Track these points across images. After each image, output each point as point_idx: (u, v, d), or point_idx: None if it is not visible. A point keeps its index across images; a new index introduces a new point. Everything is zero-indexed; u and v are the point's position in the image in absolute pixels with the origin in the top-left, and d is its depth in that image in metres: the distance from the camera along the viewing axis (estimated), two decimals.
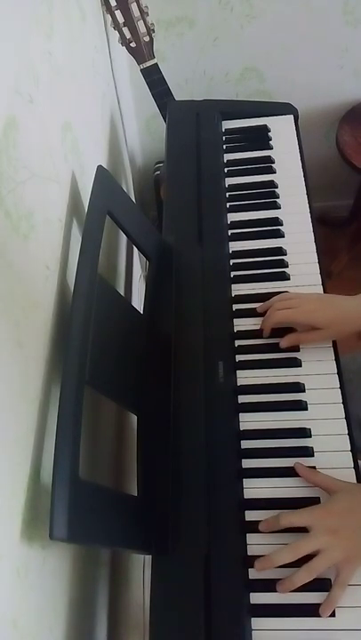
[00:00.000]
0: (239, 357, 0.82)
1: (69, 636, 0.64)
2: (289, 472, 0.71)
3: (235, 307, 0.87)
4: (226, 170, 1.06)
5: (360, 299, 0.82)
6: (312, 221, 0.96)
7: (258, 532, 0.67)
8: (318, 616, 0.62)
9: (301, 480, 0.70)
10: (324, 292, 0.87)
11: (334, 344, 0.82)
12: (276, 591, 0.63)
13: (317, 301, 0.83)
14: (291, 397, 0.77)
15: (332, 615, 0.61)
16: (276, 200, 0.99)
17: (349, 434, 0.74)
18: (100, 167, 0.79)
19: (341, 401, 0.76)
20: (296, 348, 0.81)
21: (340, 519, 0.65)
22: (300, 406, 0.76)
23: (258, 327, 0.84)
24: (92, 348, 0.63)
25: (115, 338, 0.72)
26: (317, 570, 0.62)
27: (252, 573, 0.65)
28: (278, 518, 0.66)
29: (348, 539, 0.63)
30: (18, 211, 0.57)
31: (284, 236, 0.95)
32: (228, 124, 1.13)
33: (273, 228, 0.96)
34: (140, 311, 0.82)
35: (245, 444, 0.74)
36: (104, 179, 0.78)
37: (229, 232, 0.97)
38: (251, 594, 0.64)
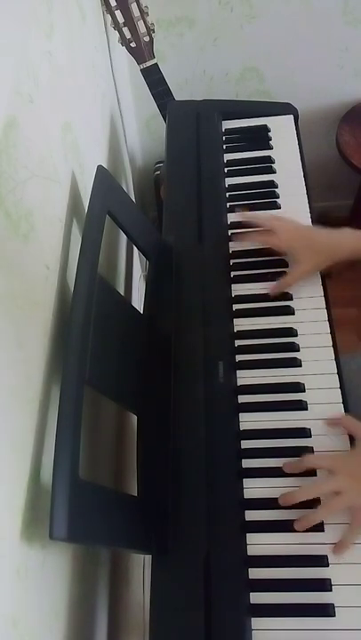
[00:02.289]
0: (239, 357, 0.82)
1: (69, 636, 0.64)
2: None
3: (235, 307, 0.87)
4: (226, 170, 1.06)
5: (331, 232, 0.86)
6: (312, 221, 0.96)
7: (258, 531, 0.67)
8: (318, 616, 0.62)
9: (301, 480, 0.70)
10: (325, 292, 0.87)
11: (334, 344, 0.82)
12: (275, 591, 0.63)
13: (295, 231, 0.88)
14: (291, 397, 0.77)
15: (333, 615, 0.62)
16: (276, 200, 0.99)
17: (349, 434, 0.74)
18: (100, 167, 0.79)
19: (341, 401, 0.76)
20: (296, 348, 0.81)
21: None
22: (301, 406, 0.76)
23: (258, 327, 0.84)
24: (92, 348, 0.63)
25: (115, 338, 0.72)
26: (335, 508, 0.65)
27: (253, 573, 0.65)
28: (302, 460, 0.69)
29: None
30: (18, 211, 0.57)
31: None
32: (228, 124, 1.13)
33: None
34: (140, 311, 0.82)
35: (245, 444, 0.74)
36: (104, 178, 0.78)
37: (229, 232, 0.97)
38: (251, 594, 0.64)
